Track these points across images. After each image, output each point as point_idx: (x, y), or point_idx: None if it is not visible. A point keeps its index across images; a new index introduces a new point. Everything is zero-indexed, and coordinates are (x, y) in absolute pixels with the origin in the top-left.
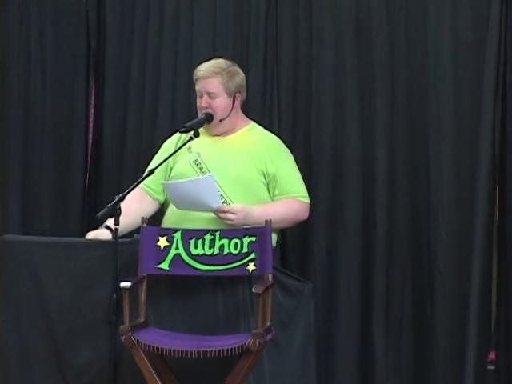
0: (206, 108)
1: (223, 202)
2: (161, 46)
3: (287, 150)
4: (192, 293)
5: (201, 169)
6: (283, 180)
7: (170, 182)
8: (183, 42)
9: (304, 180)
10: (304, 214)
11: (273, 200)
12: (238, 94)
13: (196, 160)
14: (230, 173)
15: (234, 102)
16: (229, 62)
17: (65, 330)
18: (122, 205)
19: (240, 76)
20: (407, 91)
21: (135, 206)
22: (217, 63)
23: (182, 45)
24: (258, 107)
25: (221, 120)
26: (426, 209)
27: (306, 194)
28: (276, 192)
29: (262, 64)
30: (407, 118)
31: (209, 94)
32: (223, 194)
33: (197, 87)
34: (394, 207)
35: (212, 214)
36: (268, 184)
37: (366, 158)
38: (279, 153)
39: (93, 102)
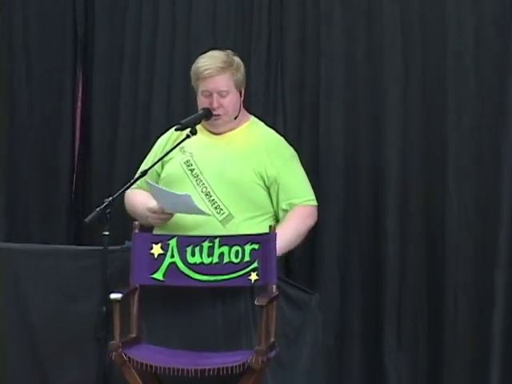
0: (218, 108)
1: (216, 207)
2: (155, 34)
3: (290, 149)
4: (189, 305)
5: (192, 170)
6: (287, 183)
7: (153, 183)
8: (180, 31)
9: (311, 181)
10: (314, 218)
11: (278, 205)
12: (242, 87)
13: (188, 161)
14: (224, 176)
15: (240, 96)
16: (229, 54)
17: (49, 346)
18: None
19: (243, 67)
20: (422, 80)
21: None
22: (219, 57)
23: (179, 33)
24: (261, 102)
25: (235, 118)
26: (443, 214)
27: (313, 197)
28: (281, 196)
29: (265, 54)
30: (423, 112)
31: (220, 92)
32: (216, 199)
33: (203, 87)
34: (408, 212)
35: (209, 221)
36: (269, 188)
37: (378, 157)
38: (280, 154)
39: (80, 94)
